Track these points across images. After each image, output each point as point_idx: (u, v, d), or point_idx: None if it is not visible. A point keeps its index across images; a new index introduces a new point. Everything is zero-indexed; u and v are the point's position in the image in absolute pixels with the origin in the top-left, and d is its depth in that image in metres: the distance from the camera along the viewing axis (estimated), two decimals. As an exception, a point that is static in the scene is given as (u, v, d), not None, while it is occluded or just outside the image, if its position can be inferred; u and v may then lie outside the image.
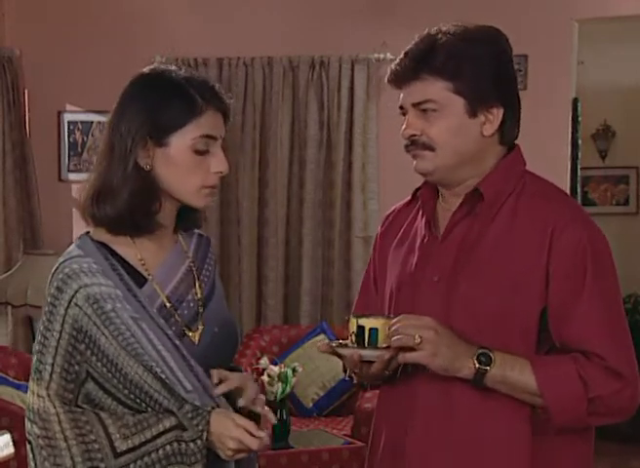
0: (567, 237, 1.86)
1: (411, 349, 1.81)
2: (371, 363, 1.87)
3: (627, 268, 7.07)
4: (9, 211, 5.67)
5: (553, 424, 1.85)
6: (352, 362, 1.89)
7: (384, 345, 1.84)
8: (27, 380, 4.72)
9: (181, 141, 1.84)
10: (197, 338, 1.89)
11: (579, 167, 5.78)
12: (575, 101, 5.65)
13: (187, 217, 1.97)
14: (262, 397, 1.93)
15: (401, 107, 1.96)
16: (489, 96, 1.91)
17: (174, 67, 1.92)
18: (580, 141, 5.81)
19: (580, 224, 1.89)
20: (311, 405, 5.06)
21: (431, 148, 1.91)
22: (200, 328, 1.91)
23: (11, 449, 3.59)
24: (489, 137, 1.93)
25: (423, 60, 1.90)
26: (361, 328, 1.87)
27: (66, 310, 1.80)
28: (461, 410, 1.89)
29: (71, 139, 5.87)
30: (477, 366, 1.82)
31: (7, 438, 3.61)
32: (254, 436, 1.76)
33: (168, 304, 1.88)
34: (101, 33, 5.81)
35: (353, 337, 1.88)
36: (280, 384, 4.36)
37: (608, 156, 7.33)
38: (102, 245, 1.87)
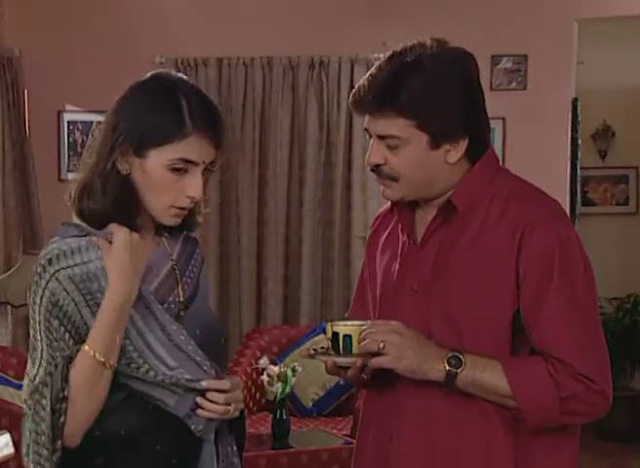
0: (535, 238, 1.85)
1: (378, 354, 1.83)
2: (347, 368, 1.90)
3: (627, 268, 7.09)
4: (8, 210, 5.67)
5: (528, 425, 1.85)
6: (329, 368, 1.92)
7: (358, 351, 1.86)
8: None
9: (158, 159, 1.80)
10: None
11: (578, 167, 5.79)
12: (574, 101, 5.65)
13: (181, 223, 1.92)
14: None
15: (366, 130, 1.95)
16: (453, 130, 1.89)
17: (183, 78, 1.87)
18: (579, 141, 5.82)
19: (550, 225, 1.87)
20: (311, 404, 5.06)
21: (394, 179, 1.92)
22: None
23: (11, 449, 3.59)
24: (454, 163, 1.92)
25: (387, 97, 1.86)
26: (336, 334, 1.89)
27: (47, 283, 1.78)
28: (445, 419, 1.90)
29: (71, 139, 5.87)
30: (447, 368, 1.83)
31: (7, 438, 3.60)
32: None
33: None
34: (101, 33, 5.81)
35: (330, 343, 1.91)
36: (280, 384, 4.36)
37: (607, 156, 7.33)
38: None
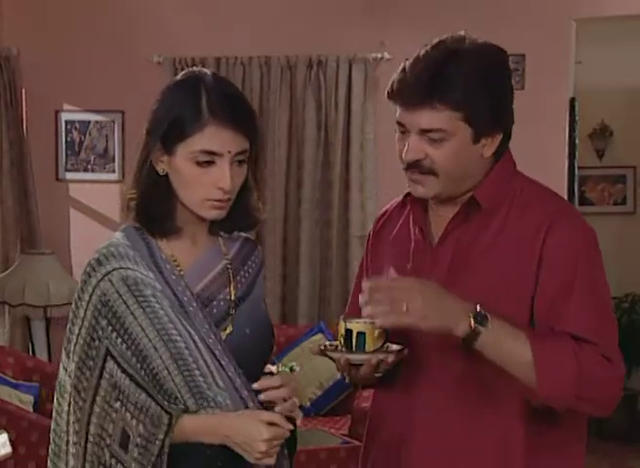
0: (558, 237, 1.86)
1: (392, 342, 1.82)
2: (359, 366, 1.88)
3: (625, 267, 7.08)
4: (6, 210, 5.67)
5: (538, 396, 1.82)
6: (341, 365, 1.90)
7: (372, 349, 1.85)
8: (24, 380, 4.72)
9: (184, 153, 1.83)
10: (224, 338, 1.88)
11: (576, 166, 5.78)
12: (572, 101, 5.65)
13: (234, 221, 1.95)
14: (296, 400, 1.90)
15: (401, 124, 1.91)
16: (495, 125, 1.90)
17: (208, 72, 1.88)
18: (577, 141, 5.81)
19: (572, 224, 1.90)
20: (309, 404, 5.06)
21: (434, 173, 1.89)
22: (229, 328, 1.90)
23: (8, 449, 3.59)
24: (487, 158, 1.93)
25: (437, 90, 1.84)
26: (349, 331, 1.87)
27: (98, 282, 1.83)
28: (459, 416, 1.89)
29: (69, 139, 5.87)
30: (474, 324, 1.77)
31: (4, 437, 3.60)
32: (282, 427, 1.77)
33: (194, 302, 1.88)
34: (99, 32, 5.80)
35: (342, 340, 1.89)
36: (278, 384, 4.36)
37: (605, 155, 7.33)
38: (145, 238, 1.90)
